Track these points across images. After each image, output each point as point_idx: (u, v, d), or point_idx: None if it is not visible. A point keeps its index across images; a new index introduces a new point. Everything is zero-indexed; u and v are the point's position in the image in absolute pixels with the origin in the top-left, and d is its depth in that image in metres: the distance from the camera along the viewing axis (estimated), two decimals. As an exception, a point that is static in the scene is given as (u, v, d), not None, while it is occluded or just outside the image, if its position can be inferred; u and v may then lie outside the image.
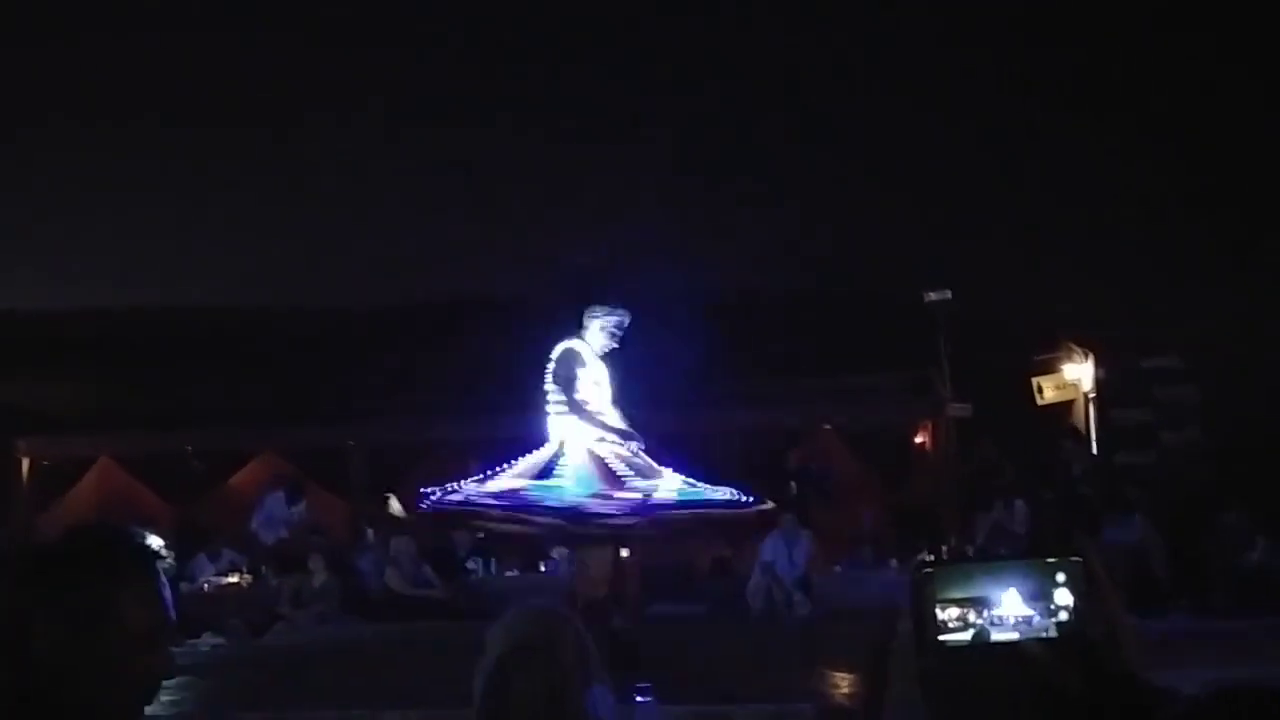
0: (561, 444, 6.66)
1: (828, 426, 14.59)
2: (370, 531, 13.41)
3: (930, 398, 13.78)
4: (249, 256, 12.90)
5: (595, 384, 6.85)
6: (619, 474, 6.50)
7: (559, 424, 6.71)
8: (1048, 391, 14.02)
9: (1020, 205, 11.80)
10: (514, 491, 6.45)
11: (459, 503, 6.57)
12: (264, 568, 13.19)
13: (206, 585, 12.36)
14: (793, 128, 10.63)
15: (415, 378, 14.54)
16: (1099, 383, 13.66)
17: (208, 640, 10.95)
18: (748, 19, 9.57)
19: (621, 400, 7.05)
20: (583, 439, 6.65)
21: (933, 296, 13.10)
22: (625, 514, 6.34)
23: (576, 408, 6.65)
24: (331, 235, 12.54)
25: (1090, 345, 13.74)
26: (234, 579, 12.63)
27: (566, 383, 6.68)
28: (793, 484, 13.03)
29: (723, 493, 6.79)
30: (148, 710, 1.73)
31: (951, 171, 11.35)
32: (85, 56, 9.45)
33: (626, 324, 6.91)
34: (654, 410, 14.34)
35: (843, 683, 6.38)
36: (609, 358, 6.99)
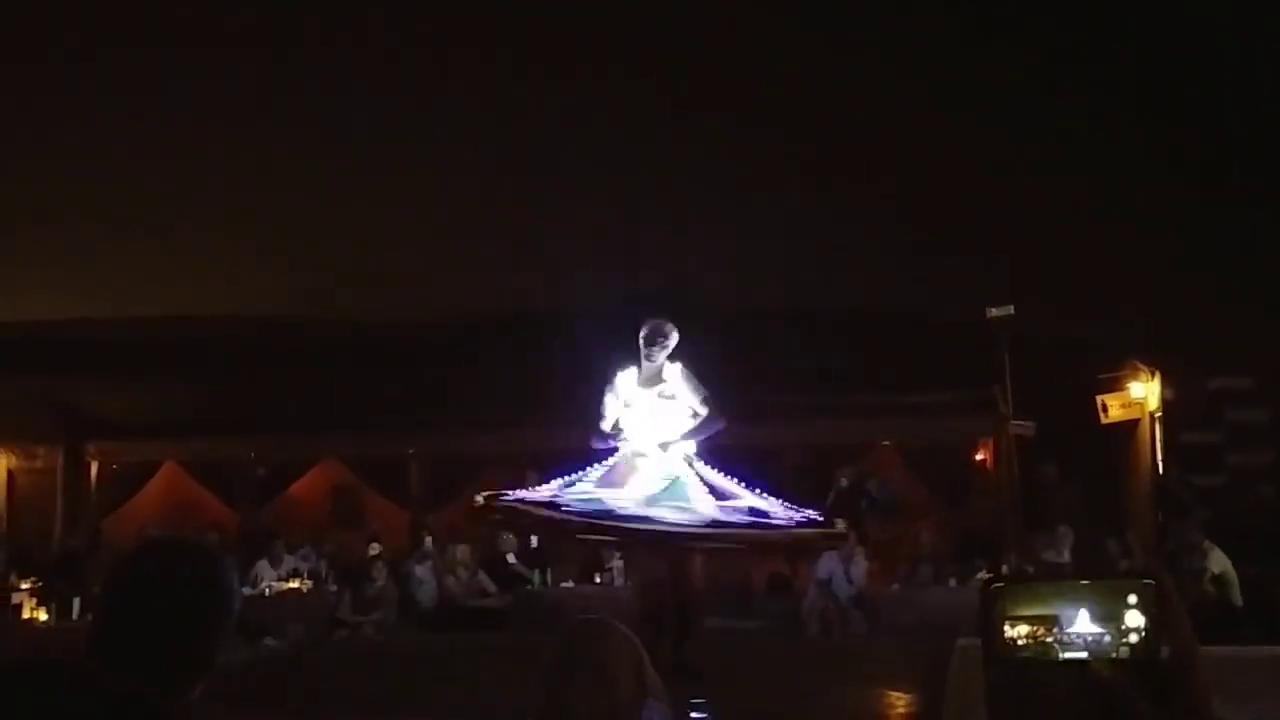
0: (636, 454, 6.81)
1: (886, 443, 14.47)
2: (429, 539, 13.54)
3: (991, 415, 13.60)
4: (314, 267, 13.09)
5: (625, 406, 6.99)
6: (715, 491, 6.69)
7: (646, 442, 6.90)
8: (1113, 410, 13.78)
9: (1086, 220, 11.63)
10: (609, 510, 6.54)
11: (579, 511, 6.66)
12: (325, 574, 13.37)
13: (268, 590, 12.53)
14: (854, 140, 10.58)
15: (477, 388, 14.64)
16: (1166, 403, 13.39)
17: (268, 644, 11.11)
18: (806, 35, 9.56)
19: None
20: (649, 449, 6.80)
21: (995, 312, 12.94)
22: (707, 527, 6.45)
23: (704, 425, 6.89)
24: (396, 245, 12.69)
25: (1157, 364, 13.47)
26: (295, 584, 12.80)
27: (598, 414, 6.94)
28: (837, 494, 12.95)
29: (785, 511, 6.85)
30: (211, 714, 1.82)
31: (1017, 185, 11.22)
32: (150, 68, 9.72)
33: (669, 337, 7.04)
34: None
35: (899, 701, 6.31)
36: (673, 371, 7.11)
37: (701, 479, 6.78)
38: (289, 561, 13.28)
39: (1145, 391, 13.57)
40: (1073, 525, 11.78)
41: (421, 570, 13.01)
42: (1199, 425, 13.34)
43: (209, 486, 15.84)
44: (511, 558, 12.80)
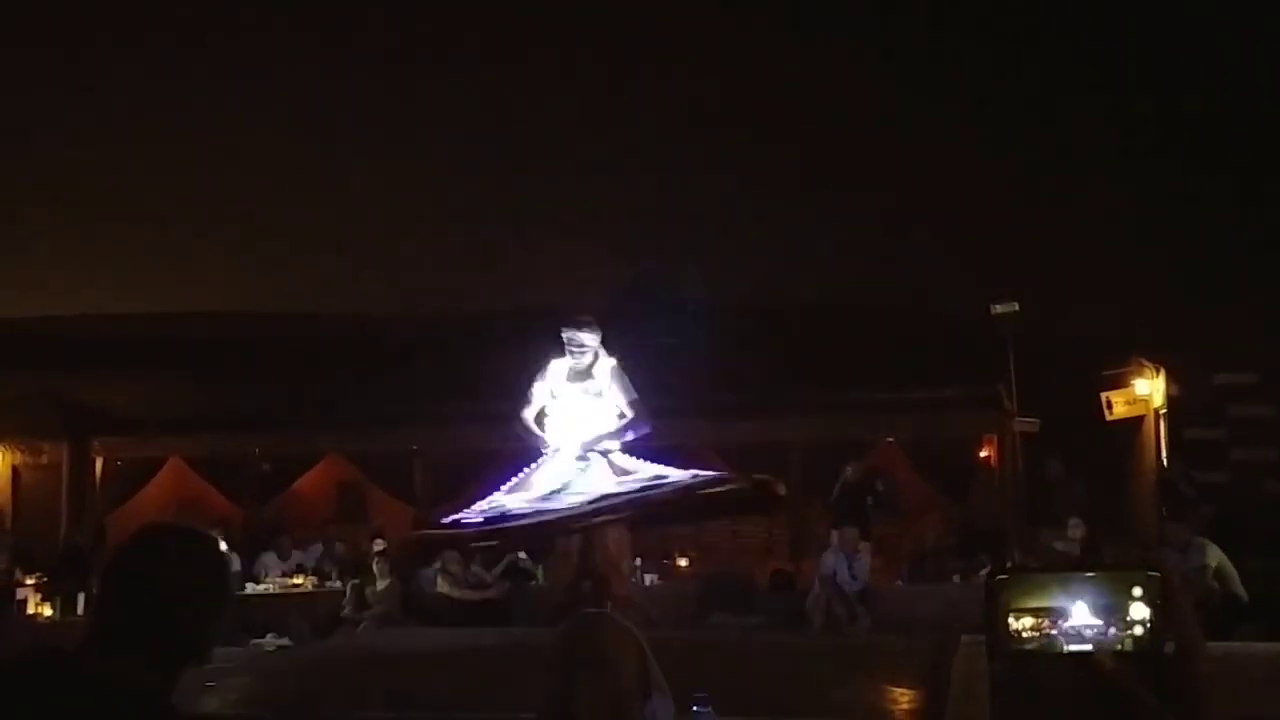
0: (555, 454, 6.87)
1: (891, 439, 14.45)
2: (433, 537, 13.51)
3: (996, 411, 13.58)
4: (319, 264, 13.12)
5: (551, 397, 7.01)
6: (618, 470, 6.70)
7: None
8: (1117, 407, 13.76)
9: (1089, 217, 11.63)
10: (501, 509, 6.60)
11: (452, 525, 6.75)
12: (329, 570, 13.38)
13: (272, 586, 12.54)
14: (861, 139, 10.58)
15: (481, 385, 14.65)
16: (1171, 399, 13.36)
17: (271, 640, 11.12)
18: (810, 36, 9.58)
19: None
20: (569, 448, 6.83)
21: (1000, 309, 12.93)
22: (607, 505, 6.46)
23: (520, 425, 6.91)
24: (401, 243, 12.71)
25: (1162, 360, 13.45)
26: (299, 580, 12.80)
27: (522, 400, 6.96)
28: (842, 489, 12.95)
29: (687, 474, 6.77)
30: (216, 710, 1.84)
31: (1022, 183, 11.22)
32: (152, 69, 9.74)
33: (585, 341, 7.04)
34: (715, 421, 14.39)
35: (903, 697, 6.30)
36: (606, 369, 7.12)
37: (610, 464, 6.78)
38: (295, 556, 13.29)
39: (1150, 388, 13.55)
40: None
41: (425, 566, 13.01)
42: (1203, 421, 13.31)
43: (213, 482, 15.84)
44: (522, 554, 12.80)
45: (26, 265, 13.08)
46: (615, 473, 6.72)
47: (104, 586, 1.85)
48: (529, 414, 7.03)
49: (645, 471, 6.71)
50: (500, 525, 6.50)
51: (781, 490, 6.87)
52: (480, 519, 6.59)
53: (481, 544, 7.01)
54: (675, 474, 6.66)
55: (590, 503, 6.46)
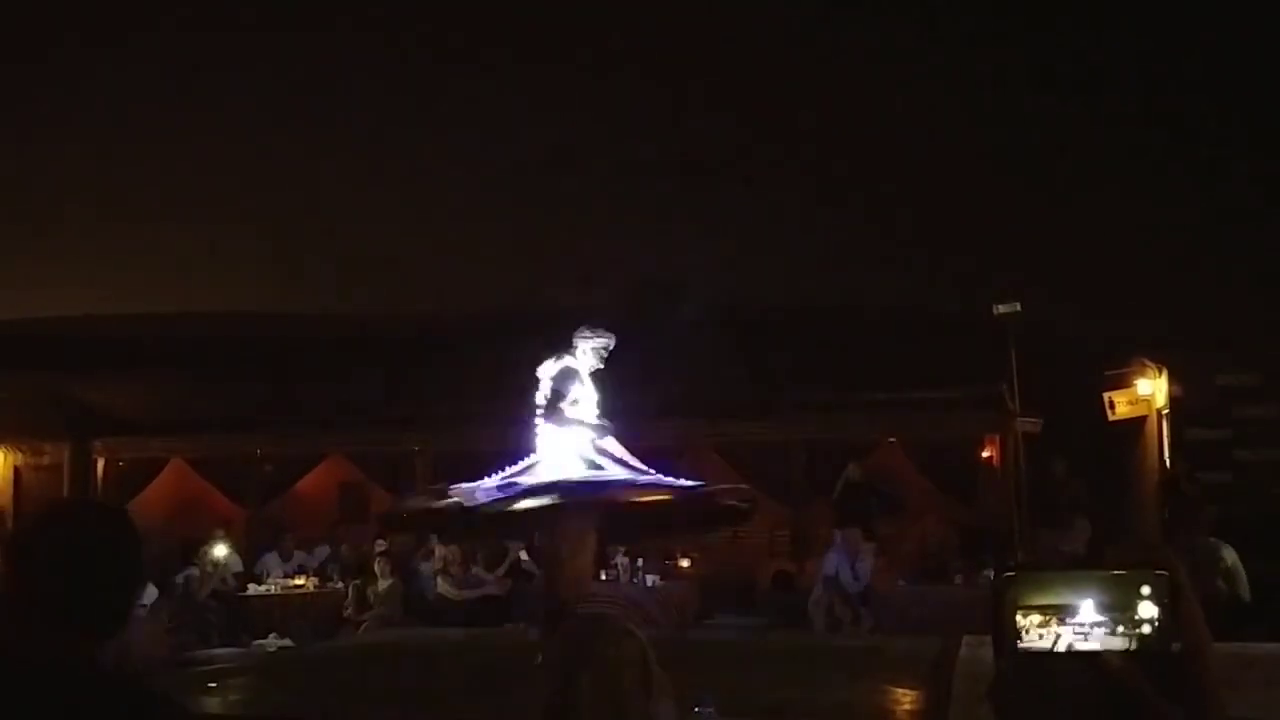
0: (548, 452, 6.94)
1: (894, 439, 14.46)
2: (434, 537, 13.54)
3: (999, 411, 13.57)
4: (321, 264, 13.11)
5: (586, 399, 7.13)
6: (603, 463, 6.81)
7: (547, 435, 7.02)
8: (1120, 407, 13.73)
9: (1091, 217, 11.61)
10: (509, 483, 6.72)
11: (452, 504, 6.82)
12: (331, 571, 13.38)
13: (274, 587, 12.54)
14: (862, 138, 10.57)
15: (482, 384, 14.65)
16: (1174, 399, 13.33)
17: (273, 641, 11.13)
18: (810, 33, 9.57)
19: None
20: (567, 445, 6.93)
21: (1002, 309, 12.91)
22: (615, 483, 6.57)
23: (561, 418, 6.98)
24: (403, 243, 12.70)
25: (1165, 360, 13.43)
26: (301, 581, 12.81)
27: (558, 396, 7.02)
28: (845, 489, 12.96)
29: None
30: (218, 710, 1.86)
31: (1024, 183, 11.20)
32: (153, 67, 9.75)
33: (611, 347, 7.21)
34: (715, 421, 14.39)
35: (905, 698, 6.29)
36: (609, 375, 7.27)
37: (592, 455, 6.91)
38: (297, 557, 13.31)
39: (1152, 388, 13.53)
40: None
41: (426, 567, 13.02)
42: (1206, 422, 13.28)
43: (215, 483, 15.85)
44: (523, 554, 12.82)
45: (27, 265, 13.07)
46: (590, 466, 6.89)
47: (20, 565, 1.87)
48: (568, 405, 7.10)
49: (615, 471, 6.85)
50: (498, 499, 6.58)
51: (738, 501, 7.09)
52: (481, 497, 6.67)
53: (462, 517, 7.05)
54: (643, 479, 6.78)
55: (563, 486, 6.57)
